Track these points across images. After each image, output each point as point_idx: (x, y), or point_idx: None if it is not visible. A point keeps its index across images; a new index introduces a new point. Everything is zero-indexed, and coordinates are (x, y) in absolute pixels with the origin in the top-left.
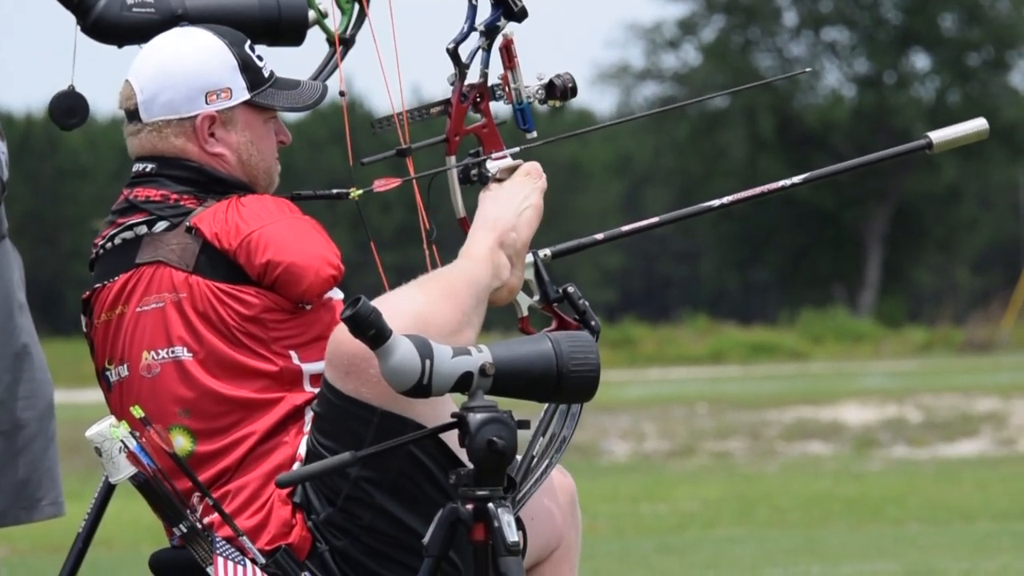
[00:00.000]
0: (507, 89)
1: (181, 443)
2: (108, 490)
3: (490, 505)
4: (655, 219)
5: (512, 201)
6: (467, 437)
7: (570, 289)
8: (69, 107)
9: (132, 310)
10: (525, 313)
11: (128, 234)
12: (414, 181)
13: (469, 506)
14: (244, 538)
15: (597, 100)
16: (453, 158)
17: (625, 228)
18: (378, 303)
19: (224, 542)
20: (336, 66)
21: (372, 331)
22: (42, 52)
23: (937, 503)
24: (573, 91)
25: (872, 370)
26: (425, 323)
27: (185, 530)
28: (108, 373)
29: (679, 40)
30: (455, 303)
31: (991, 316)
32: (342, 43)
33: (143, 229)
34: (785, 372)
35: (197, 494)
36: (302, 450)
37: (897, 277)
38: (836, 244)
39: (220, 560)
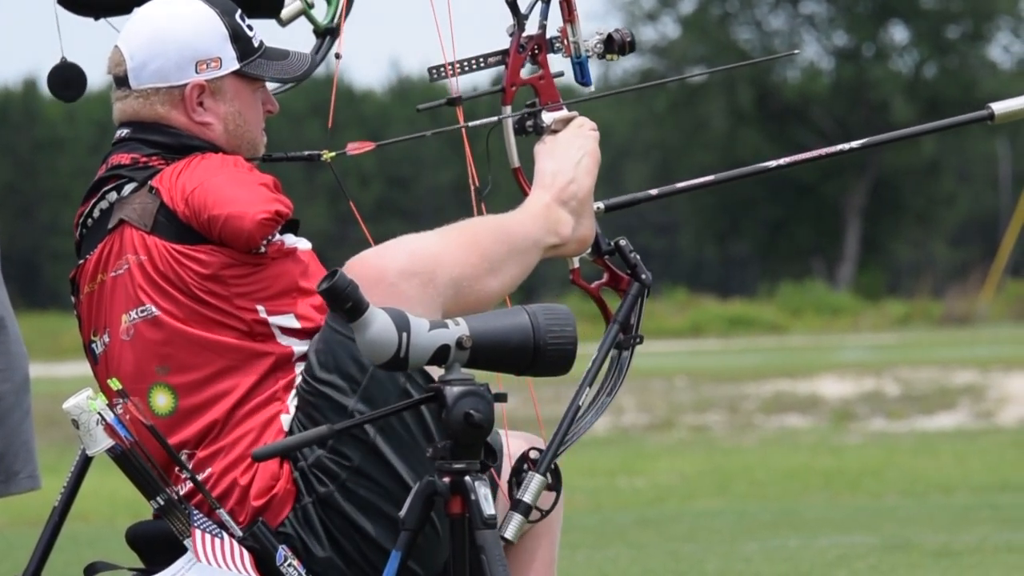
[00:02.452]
0: (565, 42)
1: (163, 401)
2: (85, 463)
3: (467, 478)
4: (710, 177)
5: (569, 152)
6: (444, 410)
7: (622, 242)
8: (65, 79)
9: (110, 276)
10: (576, 265)
11: (103, 204)
12: (463, 131)
13: (446, 479)
14: (221, 511)
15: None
16: (509, 108)
17: (680, 185)
18: (392, 242)
19: (202, 515)
20: (325, 55)
21: (349, 304)
22: (17, 25)
23: (915, 476)
24: (631, 46)
25: (850, 343)
26: (435, 263)
27: (162, 503)
28: (94, 345)
29: (658, 12)
30: (474, 249)
31: (969, 289)
32: (328, 33)
33: (114, 196)
34: (764, 345)
35: (186, 454)
36: (292, 402)
37: (876, 250)
38: (815, 217)
39: (197, 533)
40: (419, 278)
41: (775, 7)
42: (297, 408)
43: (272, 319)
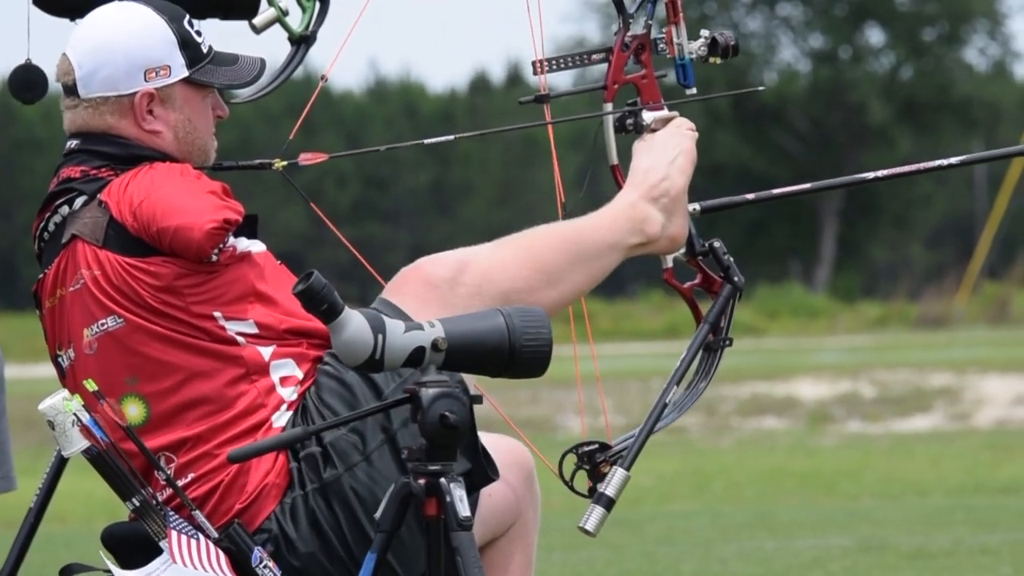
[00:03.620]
0: (670, 43)
1: (135, 411)
2: (60, 464)
3: (442, 480)
4: (807, 185)
5: (665, 150)
6: (419, 412)
7: (716, 244)
8: (27, 80)
9: (68, 291)
10: (670, 265)
11: (56, 218)
12: (549, 127)
13: (421, 481)
14: (197, 512)
15: (554, 76)
16: (610, 105)
17: (776, 191)
18: (448, 252)
19: (178, 516)
20: (299, 63)
21: (324, 306)
22: None
23: (890, 478)
24: (735, 50)
25: (827, 345)
26: (483, 276)
27: (138, 504)
28: (60, 359)
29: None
30: (528, 262)
31: (945, 291)
32: (303, 40)
33: (66, 209)
34: (740, 347)
35: (165, 456)
36: (289, 396)
37: (852, 253)
38: (791, 220)
39: (173, 534)
40: (465, 288)
41: (752, 9)
42: (318, 391)
43: (230, 325)
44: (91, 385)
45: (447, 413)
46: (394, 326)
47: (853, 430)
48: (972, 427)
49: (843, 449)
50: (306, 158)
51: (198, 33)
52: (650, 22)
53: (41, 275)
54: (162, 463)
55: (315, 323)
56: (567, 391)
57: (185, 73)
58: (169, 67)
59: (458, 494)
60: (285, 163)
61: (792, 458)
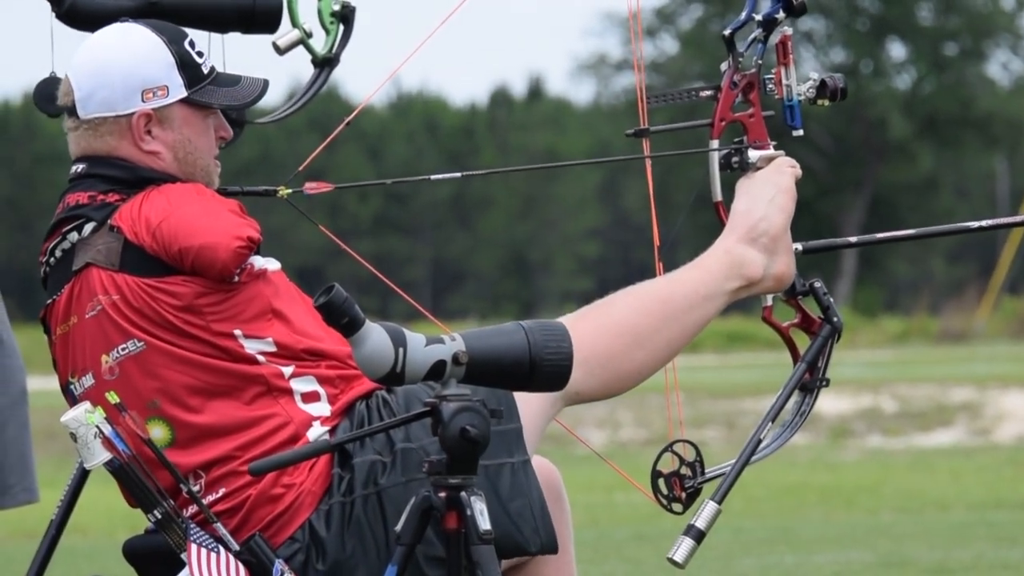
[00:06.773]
0: (778, 84)
1: (160, 434)
2: (82, 476)
3: (463, 493)
4: (911, 231)
5: (764, 189)
6: (440, 426)
7: (816, 284)
8: (51, 94)
9: (82, 318)
10: (769, 303)
11: (65, 244)
12: (648, 162)
13: (442, 494)
14: (218, 524)
15: (575, 90)
16: (716, 142)
17: (879, 235)
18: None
19: (199, 528)
20: (322, 85)
21: (345, 319)
22: (17, 38)
23: (911, 493)
24: (843, 93)
25: (848, 360)
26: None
27: (159, 516)
28: (72, 387)
29: (657, 29)
30: (609, 328)
31: (966, 306)
32: (327, 63)
33: (75, 236)
34: (761, 361)
35: (194, 474)
36: (318, 411)
37: (873, 267)
38: (813, 234)
39: (193, 546)
40: None
41: None
42: (385, 405)
43: (249, 344)
44: (113, 397)
45: (468, 427)
46: (415, 339)
47: (874, 445)
48: (993, 442)
49: (864, 464)
50: (311, 187)
51: (199, 54)
52: (760, 61)
53: (49, 301)
54: (191, 480)
55: (329, 345)
56: (588, 405)
57: (184, 93)
58: (167, 87)
59: (478, 507)
60: (290, 191)
61: (813, 473)
